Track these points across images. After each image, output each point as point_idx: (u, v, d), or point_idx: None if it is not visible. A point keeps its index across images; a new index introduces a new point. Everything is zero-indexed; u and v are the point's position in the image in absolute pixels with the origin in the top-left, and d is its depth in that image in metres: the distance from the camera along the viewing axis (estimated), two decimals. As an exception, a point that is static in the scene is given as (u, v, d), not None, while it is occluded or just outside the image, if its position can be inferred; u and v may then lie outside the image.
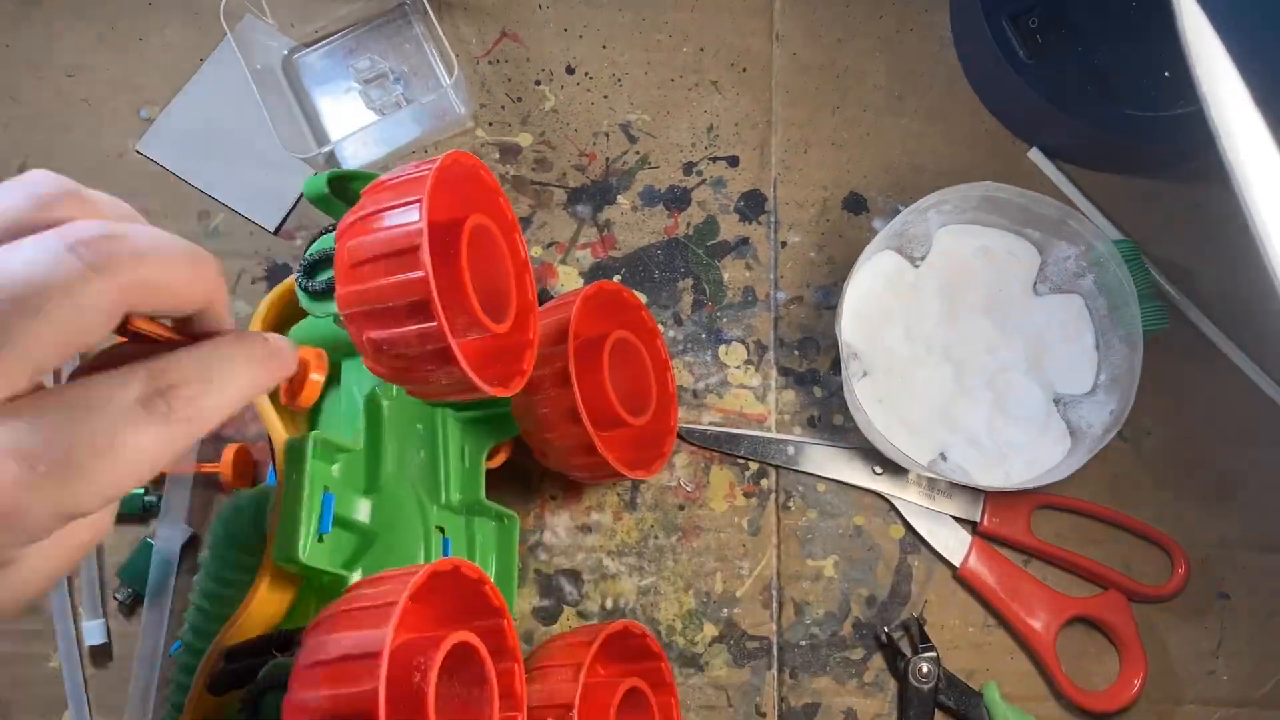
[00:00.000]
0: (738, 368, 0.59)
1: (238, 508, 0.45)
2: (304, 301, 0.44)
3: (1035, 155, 0.61)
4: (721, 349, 0.59)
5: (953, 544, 0.57)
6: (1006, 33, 0.58)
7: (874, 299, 0.58)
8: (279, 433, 0.45)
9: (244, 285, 0.58)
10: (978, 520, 0.57)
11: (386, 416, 0.47)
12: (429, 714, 0.33)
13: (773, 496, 0.57)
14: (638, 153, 0.61)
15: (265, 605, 0.43)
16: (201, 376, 0.29)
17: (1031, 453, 0.56)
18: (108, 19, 0.61)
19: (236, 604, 0.43)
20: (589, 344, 0.51)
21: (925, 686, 0.55)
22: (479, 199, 0.43)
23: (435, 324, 0.37)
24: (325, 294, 0.43)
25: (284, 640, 0.39)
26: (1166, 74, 0.58)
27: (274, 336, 0.33)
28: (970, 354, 0.58)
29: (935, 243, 0.59)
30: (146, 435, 0.27)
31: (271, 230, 0.59)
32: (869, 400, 0.57)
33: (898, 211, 0.61)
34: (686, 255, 0.60)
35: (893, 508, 0.57)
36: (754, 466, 0.58)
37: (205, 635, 0.44)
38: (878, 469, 0.57)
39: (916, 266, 0.59)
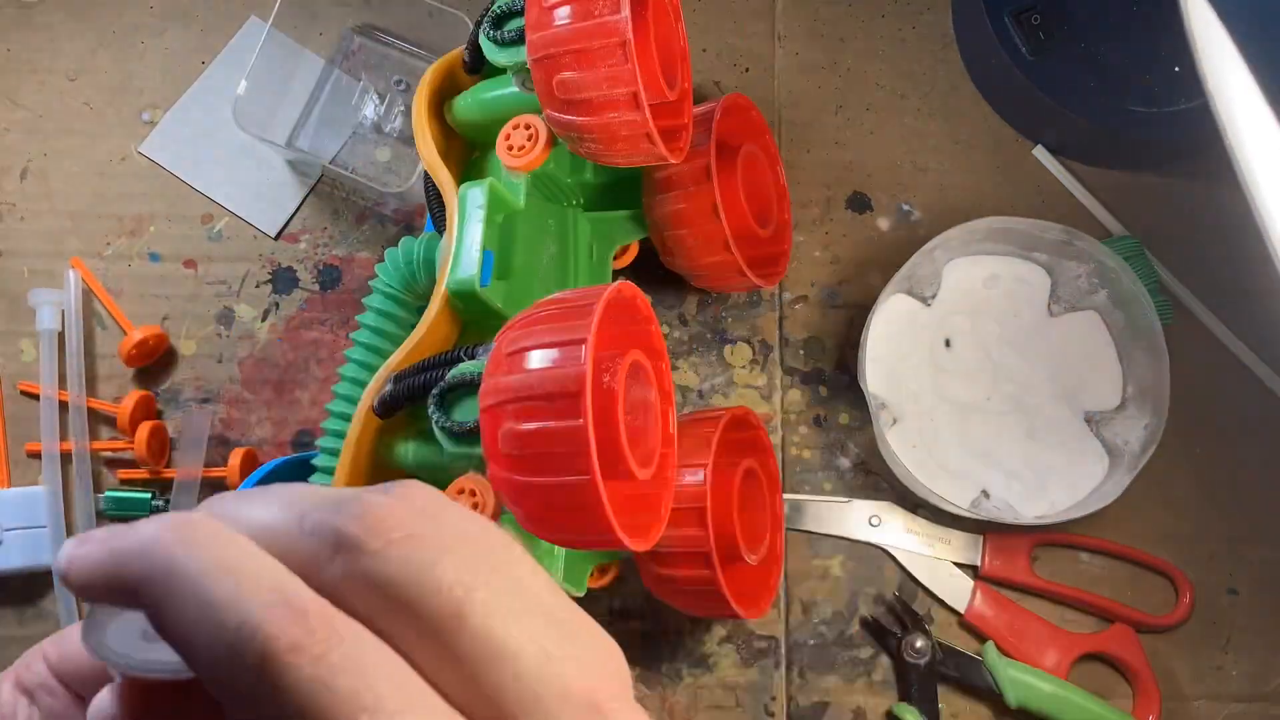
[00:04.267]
0: (743, 368, 0.59)
1: (406, 251, 0.47)
2: (491, 52, 0.44)
3: (1039, 152, 0.61)
4: (727, 349, 0.59)
5: (955, 590, 0.56)
6: (1009, 30, 0.58)
7: (892, 345, 0.58)
8: (448, 181, 0.46)
9: (248, 289, 0.58)
10: (978, 564, 0.56)
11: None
12: (618, 406, 0.36)
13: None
14: (641, 153, 0.61)
15: (436, 331, 0.44)
16: None
17: (1071, 476, 0.56)
18: (108, 23, 0.61)
19: (393, 351, 0.44)
20: (721, 151, 0.52)
21: (922, 662, 0.54)
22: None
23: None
24: (513, 43, 0.44)
25: (453, 356, 0.41)
26: (1176, 68, 0.58)
27: None
28: (994, 385, 0.58)
29: (944, 279, 0.59)
30: None
31: (273, 236, 0.59)
32: (903, 449, 0.56)
33: (901, 210, 0.61)
34: (691, 255, 0.60)
35: (892, 558, 0.57)
36: (761, 466, 0.58)
37: (361, 381, 0.46)
38: (874, 520, 0.57)
39: (929, 305, 0.59)
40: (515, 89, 0.46)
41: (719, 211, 0.50)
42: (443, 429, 0.38)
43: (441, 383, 0.39)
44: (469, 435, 0.38)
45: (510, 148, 0.45)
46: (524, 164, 0.45)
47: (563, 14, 0.40)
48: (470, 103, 0.48)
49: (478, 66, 0.48)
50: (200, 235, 0.58)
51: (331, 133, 0.60)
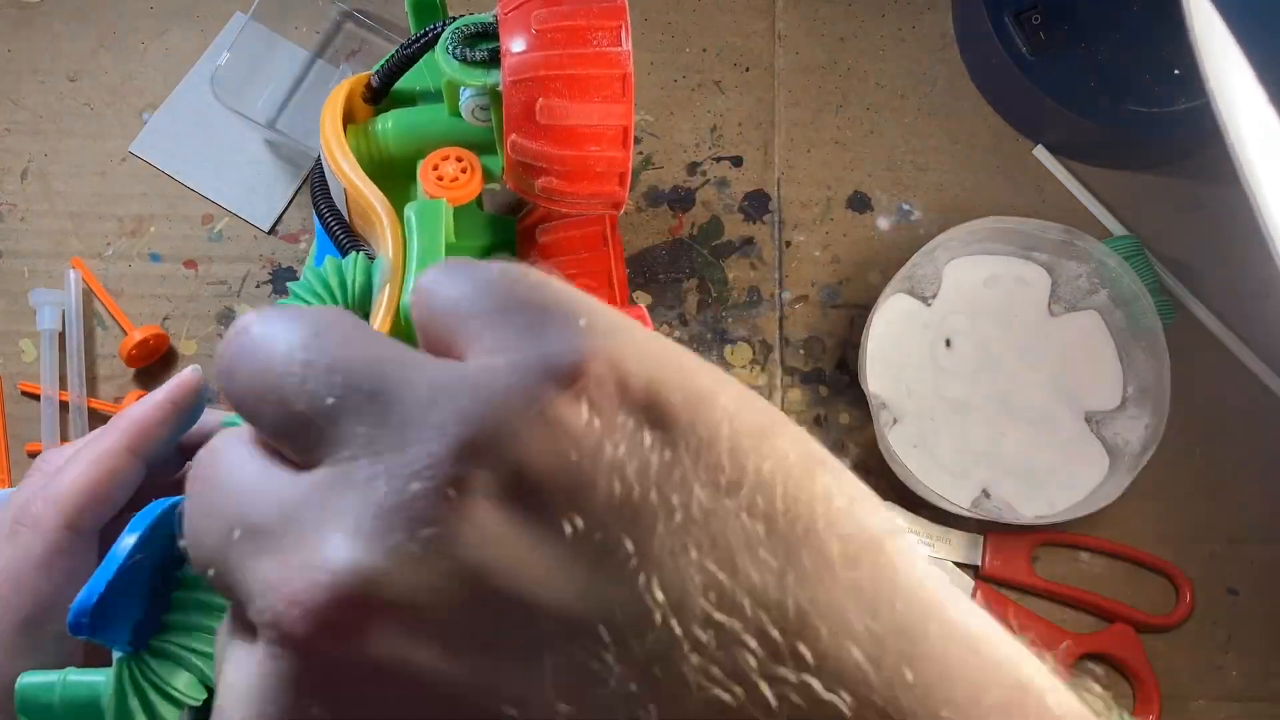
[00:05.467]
0: (743, 368, 0.59)
1: (339, 271, 0.43)
2: (456, 71, 0.43)
3: (1040, 152, 0.61)
4: (727, 349, 0.59)
5: None
6: (1010, 30, 0.58)
7: (892, 345, 0.58)
8: (383, 201, 0.45)
9: (248, 289, 0.58)
10: (979, 564, 0.56)
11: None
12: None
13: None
14: (641, 153, 0.61)
15: None
16: None
17: (1070, 476, 0.56)
18: (109, 24, 0.61)
19: None
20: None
21: None
22: None
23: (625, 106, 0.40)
24: (483, 63, 0.43)
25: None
26: (1175, 71, 0.58)
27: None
28: (994, 384, 0.58)
29: (945, 278, 0.59)
30: None
31: (266, 230, 0.59)
32: (904, 448, 0.56)
33: (901, 210, 0.61)
34: (691, 256, 0.60)
35: None
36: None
37: None
38: None
39: (929, 305, 0.59)
40: (445, 118, 0.46)
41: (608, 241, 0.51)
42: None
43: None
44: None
45: (440, 178, 0.45)
46: (455, 196, 0.44)
47: (559, 38, 0.40)
48: (395, 128, 0.47)
49: (380, 97, 0.48)
50: (200, 236, 0.59)
51: (313, 117, 0.59)
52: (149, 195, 0.59)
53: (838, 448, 0.58)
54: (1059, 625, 0.56)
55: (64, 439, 0.55)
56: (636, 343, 0.18)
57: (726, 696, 0.16)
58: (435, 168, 0.45)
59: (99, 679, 0.31)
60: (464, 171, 0.45)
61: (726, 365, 0.59)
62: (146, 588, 0.31)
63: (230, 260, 0.58)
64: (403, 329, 0.42)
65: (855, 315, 0.59)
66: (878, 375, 0.57)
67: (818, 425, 0.58)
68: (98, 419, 0.56)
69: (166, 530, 0.34)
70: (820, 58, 0.63)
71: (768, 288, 0.60)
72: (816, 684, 0.16)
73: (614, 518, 0.17)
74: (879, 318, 0.56)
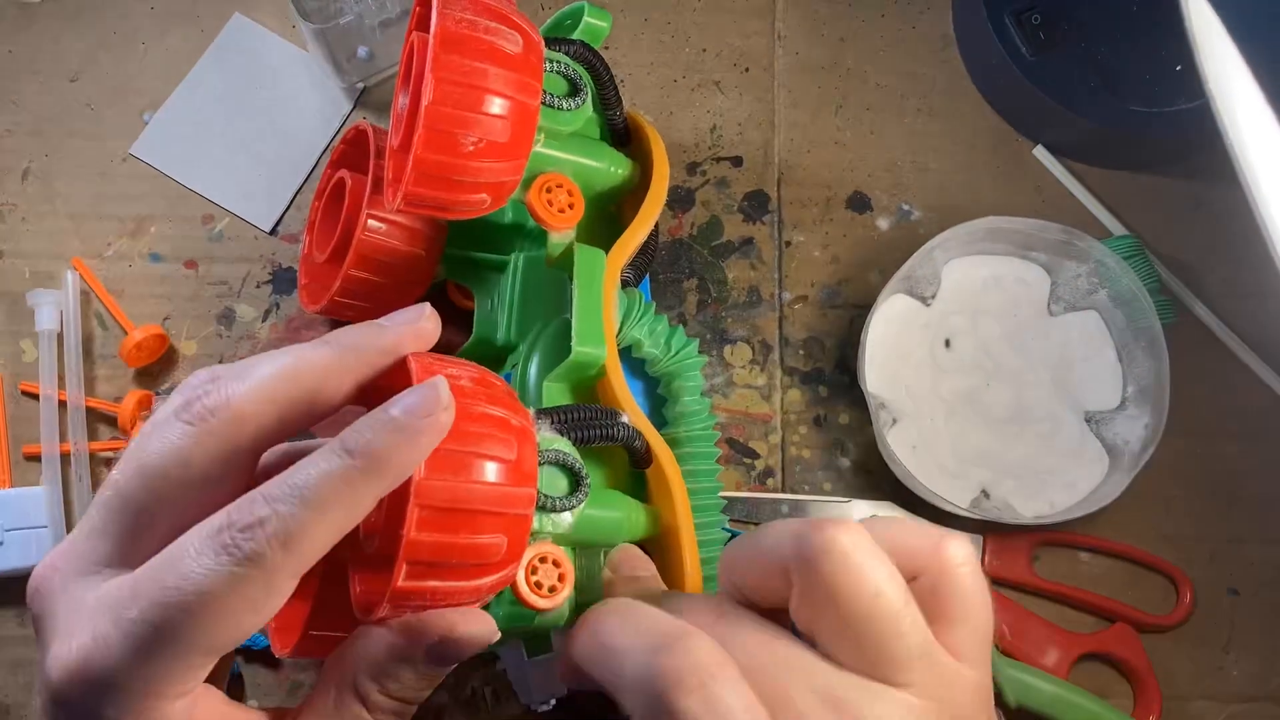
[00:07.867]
0: (743, 368, 0.59)
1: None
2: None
3: (1040, 152, 0.61)
4: (727, 349, 0.59)
5: None
6: (1009, 30, 0.58)
7: (891, 345, 0.58)
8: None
9: (249, 289, 0.58)
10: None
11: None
12: None
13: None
14: (641, 153, 0.61)
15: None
16: (288, 501, 0.28)
17: (1070, 475, 0.56)
18: (109, 24, 0.61)
19: None
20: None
21: None
22: None
23: None
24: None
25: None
26: (1178, 68, 0.58)
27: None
28: (994, 385, 0.58)
29: (944, 279, 0.59)
30: (230, 587, 0.28)
31: (268, 230, 0.59)
32: (903, 449, 0.56)
33: (901, 210, 0.61)
34: (691, 256, 0.60)
35: None
36: (760, 465, 0.58)
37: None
38: None
39: (928, 305, 0.59)
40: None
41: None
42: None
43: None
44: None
45: (560, 209, 0.46)
46: (570, 223, 0.46)
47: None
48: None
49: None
50: (201, 236, 0.59)
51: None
52: (149, 196, 0.59)
53: (837, 448, 0.58)
54: (1059, 625, 0.56)
55: (63, 440, 0.55)
56: None
57: None
58: (547, 190, 0.45)
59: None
60: (570, 207, 0.46)
61: (726, 365, 0.59)
62: None
63: (231, 260, 0.58)
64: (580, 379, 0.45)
65: (855, 315, 0.59)
66: (877, 375, 0.57)
67: (817, 425, 0.58)
68: (97, 419, 0.56)
69: None
70: (820, 58, 0.63)
71: (767, 288, 0.60)
72: None
73: None
74: (879, 318, 0.56)
